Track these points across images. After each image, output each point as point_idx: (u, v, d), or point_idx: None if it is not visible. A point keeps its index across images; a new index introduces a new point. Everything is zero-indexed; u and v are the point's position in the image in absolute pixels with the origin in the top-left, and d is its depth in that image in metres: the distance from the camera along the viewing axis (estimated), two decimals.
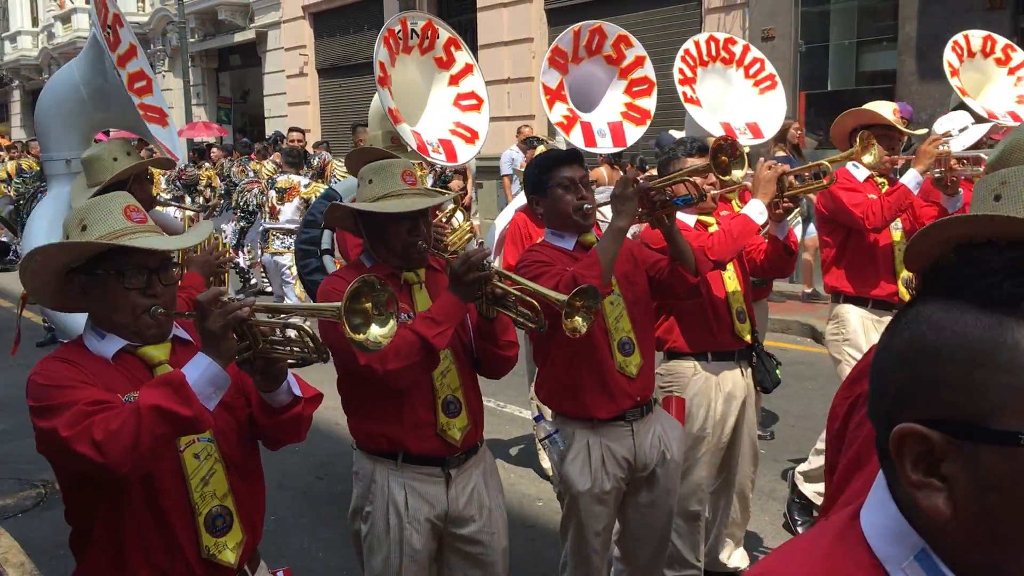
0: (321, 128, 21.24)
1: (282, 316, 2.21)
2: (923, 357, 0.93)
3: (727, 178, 3.30)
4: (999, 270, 0.90)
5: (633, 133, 5.31)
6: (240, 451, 2.42)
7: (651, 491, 3.49)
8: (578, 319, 2.80)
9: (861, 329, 4.77)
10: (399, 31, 4.86)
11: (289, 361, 2.20)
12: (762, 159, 4.29)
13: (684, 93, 5.43)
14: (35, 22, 36.06)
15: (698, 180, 3.74)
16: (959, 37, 5.88)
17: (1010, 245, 0.94)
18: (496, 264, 5.58)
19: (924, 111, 9.56)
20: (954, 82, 5.65)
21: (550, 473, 5.70)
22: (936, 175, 4.46)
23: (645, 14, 13.39)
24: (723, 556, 4.33)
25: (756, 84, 5.78)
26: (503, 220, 5.83)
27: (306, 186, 9.61)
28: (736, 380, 4.03)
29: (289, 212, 9.44)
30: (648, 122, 5.38)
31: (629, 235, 3.39)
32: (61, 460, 2.15)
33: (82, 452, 1.98)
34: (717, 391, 3.98)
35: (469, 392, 3.06)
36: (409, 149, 4.71)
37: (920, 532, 0.95)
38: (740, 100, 5.67)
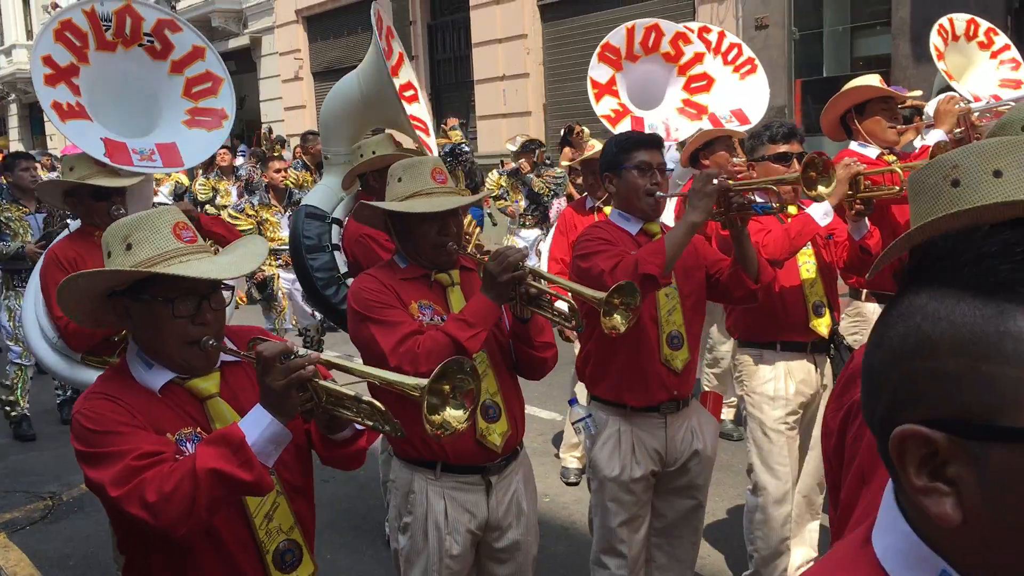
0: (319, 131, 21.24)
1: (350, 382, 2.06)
2: (920, 352, 0.85)
3: (813, 193, 3.23)
4: (993, 254, 0.83)
5: (686, 128, 5.26)
6: (300, 474, 2.30)
7: (682, 486, 3.44)
8: (617, 317, 2.76)
9: None
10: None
11: (357, 421, 2.04)
12: (883, 154, 4.14)
13: None
14: (29, 35, 36.04)
15: (782, 170, 3.70)
16: (944, 20, 5.88)
17: (995, 228, 0.86)
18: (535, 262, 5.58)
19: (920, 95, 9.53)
20: (941, 65, 5.64)
21: (564, 465, 5.75)
22: (958, 135, 4.37)
23: (639, 6, 13.36)
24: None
25: (736, 70, 5.77)
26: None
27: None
28: (808, 373, 3.87)
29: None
30: (704, 116, 5.33)
31: None
32: (111, 512, 2.04)
33: (134, 513, 1.88)
34: (787, 381, 3.84)
35: (509, 395, 2.96)
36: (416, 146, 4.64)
37: (935, 549, 0.87)
38: (722, 87, 5.65)
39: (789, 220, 3.74)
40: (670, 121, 5.32)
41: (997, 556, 0.83)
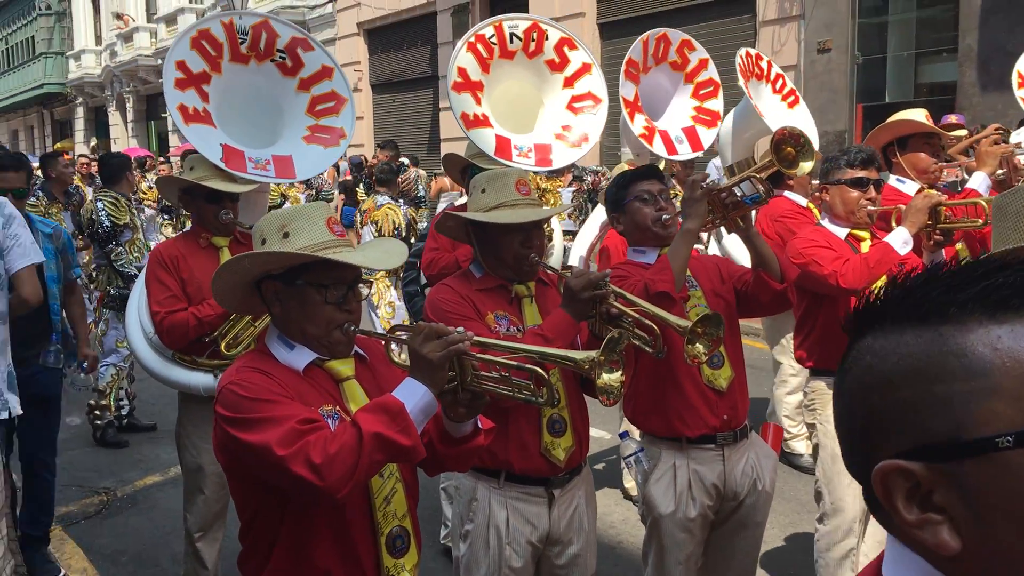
0: (374, 142, 21.51)
1: (513, 356, 2.21)
2: (877, 388, 0.88)
3: (794, 171, 3.15)
4: (921, 285, 0.88)
5: (707, 136, 5.29)
6: (412, 472, 2.38)
7: (738, 522, 3.31)
8: (699, 346, 2.73)
9: None
10: (491, 36, 4.72)
11: (506, 396, 2.17)
12: (922, 188, 4.08)
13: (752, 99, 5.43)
14: (98, 41, 37.04)
15: (857, 195, 3.67)
16: None
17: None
18: None
19: (987, 124, 9.37)
20: (1020, 93, 5.50)
21: (633, 494, 5.57)
22: (1000, 176, 4.30)
23: (699, 27, 13.32)
24: None
25: (784, 99, 5.76)
26: (586, 236, 5.83)
27: (379, 207, 8.11)
28: None
29: (365, 236, 8.08)
30: (719, 123, 5.35)
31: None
32: (268, 476, 2.09)
33: (299, 473, 1.94)
34: None
35: (575, 412, 2.97)
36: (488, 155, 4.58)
37: None
38: (774, 113, 5.64)
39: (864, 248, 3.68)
40: (693, 130, 5.31)
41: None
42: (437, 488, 4.85)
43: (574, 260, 5.78)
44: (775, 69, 5.82)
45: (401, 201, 7.75)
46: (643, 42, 5.22)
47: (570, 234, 7.70)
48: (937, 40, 11.67)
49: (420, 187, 12.47)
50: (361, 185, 12.27)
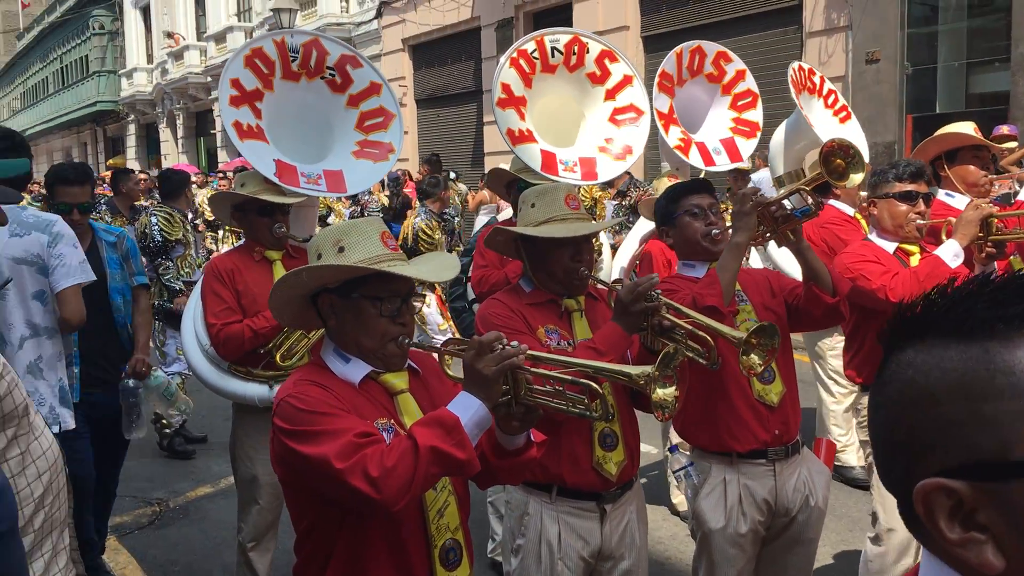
0: (419, 157, 21.67)
1: (565, 370, 2.22)
2: (919, 403, 0.86)
3: (843, 183, 3.15)
4: (965, 297, 0.86)
5: (746, 147, 5.27)
6: (464, 485, 2.41)
7: (790, 539, 3.26)
8: (755, 357, 2.73)
9: None
10: (533, 51, 4.74)
11: (559, 409, 2.18)
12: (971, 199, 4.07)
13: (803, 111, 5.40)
14: (150, 59, 37.76)
15: (906, 209, 3.64)
16: None
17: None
18: None
19: None
20: None
21: (681, 509, 5.53)
22: None
23: (745, 39, 13.24)
24: None
25: (835, 114, 5.72)
26: (627, 249, 5.82)
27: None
28: None
29: None
30: (758, 134, 5.32)
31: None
32: (325, 488, 2.12)
33: (356, 486, 1.97)
34: None
35: (626, 426, 2.98)
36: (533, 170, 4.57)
37: None
38: (825, 127, 5.60)
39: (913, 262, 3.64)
40: (731, 141, 5.28)
41: None
42: (484, 502, 4.87)
43: (615, 273, 5.77)
44: (827, 85, 5.78)
45: (424, 215, 7.88)
46: (677, 55, 5.23)
47: (611, 248, 7.69)
48: (989, 49, 11.46)
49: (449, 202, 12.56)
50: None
